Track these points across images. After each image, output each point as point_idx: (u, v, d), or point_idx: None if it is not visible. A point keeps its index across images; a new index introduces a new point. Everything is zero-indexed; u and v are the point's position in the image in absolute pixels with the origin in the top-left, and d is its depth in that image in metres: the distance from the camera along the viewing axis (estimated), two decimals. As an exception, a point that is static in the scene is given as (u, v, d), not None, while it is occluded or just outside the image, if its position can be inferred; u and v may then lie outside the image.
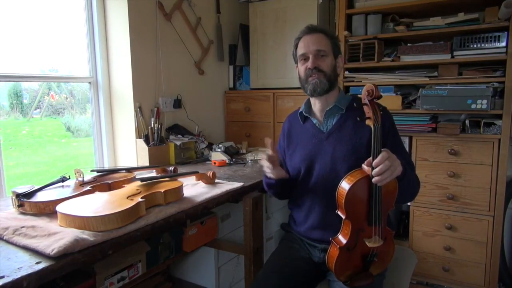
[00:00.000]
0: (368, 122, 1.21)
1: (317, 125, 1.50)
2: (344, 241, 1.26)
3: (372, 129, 1.19)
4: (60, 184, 1.53)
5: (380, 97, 1.21)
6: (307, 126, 1.53)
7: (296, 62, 1.53)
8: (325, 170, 1.44)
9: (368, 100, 1.21)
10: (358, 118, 1.24)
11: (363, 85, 2.37)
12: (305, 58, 1.45)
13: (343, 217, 1.25)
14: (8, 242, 1.12)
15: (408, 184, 1.30)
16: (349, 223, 1.25)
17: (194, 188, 1.67)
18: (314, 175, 1.46)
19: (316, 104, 1.51)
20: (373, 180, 1.17)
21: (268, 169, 1.41)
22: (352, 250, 1.27)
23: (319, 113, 1.51)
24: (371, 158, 1.18)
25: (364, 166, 1.23)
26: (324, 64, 1.42)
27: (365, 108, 1.23)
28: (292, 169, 1.54)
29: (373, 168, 1.16)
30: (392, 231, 1.35)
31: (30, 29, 1.96)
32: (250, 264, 1.76)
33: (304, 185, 1.49)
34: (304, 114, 1.53)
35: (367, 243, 1.25)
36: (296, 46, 1.50)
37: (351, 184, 1.21)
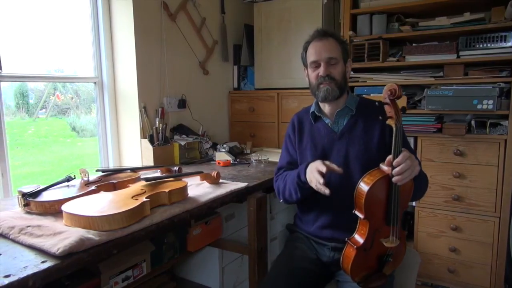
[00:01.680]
0: (389, 121, 1.21)
1: (329, 124, 1.51)
2: (361, 241, 1.25)
3: (394, 128, 1.19)
4: (66, 183, 1.53)
5: (400, 96, 1.21)
6: (319, 126, 1.53)
7: (305, 66, 1.53)
8: None
9: (390, 100, 1.21)
10: (380, 117, 1.24)
11: (368, 85, 2.40)
12: (316, 65, 1.45)
13: (362, 217, 1.24)
14: (14, 241, 1.12)
15: (421, 182, 1.32)
16: (367, 223, 1.25)
17: (198, 188, 1.67)
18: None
19: (326, 107, 1.52)
20: (394, 179, 1.17)
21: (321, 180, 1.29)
22: (368, 251, 1.27)
23: (330, 114, 1.52)
24: (390, 157, 1.19)
25: (383, 166, 1.23)
26: (335, 72, 1.43)
27: (387, 108, 1.22)
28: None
29: (393, 167, 1.17)
30: (405, 232, 1.36)
31: (36, 29, 1.97)
32: (254, 264, 1.76)
33: None
34: (317, 114, 1.53)
35: (384, 243, 1.25)
36: (305, 50, 1.50)
37: (371, 184, 1.20)
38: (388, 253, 1.29)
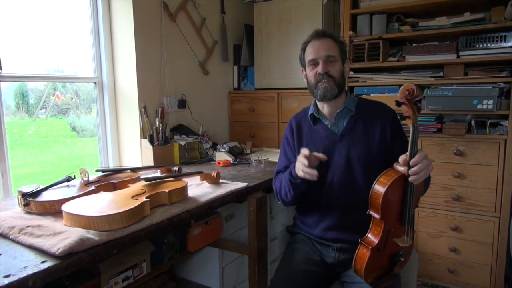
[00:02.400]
0: (407, 121, 1.22)
1: (329, 126, 1.50)
2: (375, 241, 1.25)
3: (411, 128, 1.19)
4: (66, 183, 1.53)
5: (418, 96, 1.21)
6: (318, 128, 1.52)
7: (303, 66, 1.53)
8: (340, 171, 1.44)
9: (408, 100, 1.21)
10: (398, 117, 1.25)
11: (368, 85, 2.40)
12: (314, 63, 1.45)
13: (378, 217, 1.24)
14: (14, 241, 1.12)
15: (427, 180, 1.34)
16: (382, 223, 1.24)
17: (198, 188, 1.67)
18: (328, 176, 1.46)
19: (324, 108, 1.51)
20: (410, 178, 1.18)
21: (306, 167, 1.31)
22: (382, 251, 1.26)
23: (329, 115, 1.51)
24: (405, 156, 1.19)
25: (398, 166, 1.23)
26: (333, 70, 1.43)
27: (404, 108, 1.22)
28: None
29: (409, 167, 1.18)
30: (413, 230, 1.36)
31: (36, 29, 1.97)
32: (254, 264, 1.76)
33: (318, 187, 1.48)
34: (316, 115, 1.52)
35: (399, 243, 1.25)
36: (303, 50, 1.50)
37: (388, 184, 1.21)
38: (401, 252, 1.30)
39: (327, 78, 1.42)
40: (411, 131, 1.19)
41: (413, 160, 1.18)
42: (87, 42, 2.22)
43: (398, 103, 1.24)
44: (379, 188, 1.22)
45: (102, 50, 2.25)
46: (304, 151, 1.31)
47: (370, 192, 1.25)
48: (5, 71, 1.79)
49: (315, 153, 1.32)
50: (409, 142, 1.19)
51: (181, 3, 2.47)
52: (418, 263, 1.63)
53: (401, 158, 1.21)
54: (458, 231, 2.23)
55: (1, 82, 1.80)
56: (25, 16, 1.92)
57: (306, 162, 1.29)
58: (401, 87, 1.22)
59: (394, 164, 1.25)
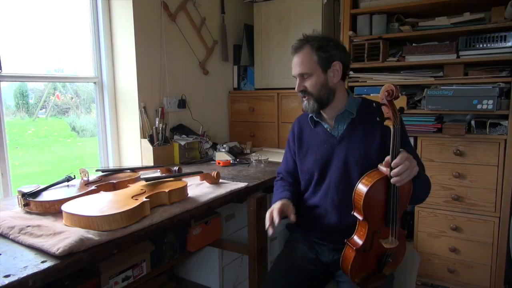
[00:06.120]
0: (387, 122, 1.21)
1: (328, 129, 1.50)
2: (360, 242, 1.25)
3: (392, 129, 1.18)
4: (65, 183, 1.54)
5: (398, 97, 1.21)
6: (318, 131, 1.52)
7: None
8: (338, 174, 1.43)
9: (388, 101, 1.21)
10: (378, 119, 1.24)
11: (368, 85, 2.40)
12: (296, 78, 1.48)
13: (361, 218, 1.24)
14: (14, 241, 1.12)
15: (420, 184, 1.31)
16: (366, 224, 1.24)
17: (198, 188, 1.67)
18: (326, 179, 1.46)
19: (324, 112, 1.51)
20: (392, 180, 1.17)
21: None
22: (368, 252, 1.26)
23: (329, 118, 1.50)
24: (389, 158, 1.19)
25: (382, 167, 1.23)
26: (309, 86, 1.43)
27: (384, 109, 1.22)
28: (303, 173, 1.54)
29: (391, 168, 1.17)
30: (404, 231, 1.36)
31: (36, 29, 1.97)
32: (254, 264, 1.76)
33: (316, 189, 1.49)
34: (315, 119, 1.52)
35: (383, 244, 1.25)
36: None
37: (369, 185, 1.20)
38: (388, 253, 1.29)
39: (306, 95, 1.44)
40: (392, 132, 1.18)
41: (394, 161, 1.16)
42: (87, 42, 2.22)
43: (379, 104, 1.24)
44: (361, 189, 1.23)
45: (102, 50, 2.25)
46: (275, 214, 1.31)
47: (353, 193, 1.25)
48: (5, 71, 1.79)
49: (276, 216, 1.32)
50: (391, 143, 1.18)
51: (181, 3, 2.47)
52: (419, 263, 1.62)
53: (385, 160, 1.21)
54: (458, 231, 2.23)
55: (1, 82, 1.80)
56: (25, 16, 1.92)
57: (267, 224, 1.31)
58: (382, 88, 1.21)
59: (378, 165, 1.25)
